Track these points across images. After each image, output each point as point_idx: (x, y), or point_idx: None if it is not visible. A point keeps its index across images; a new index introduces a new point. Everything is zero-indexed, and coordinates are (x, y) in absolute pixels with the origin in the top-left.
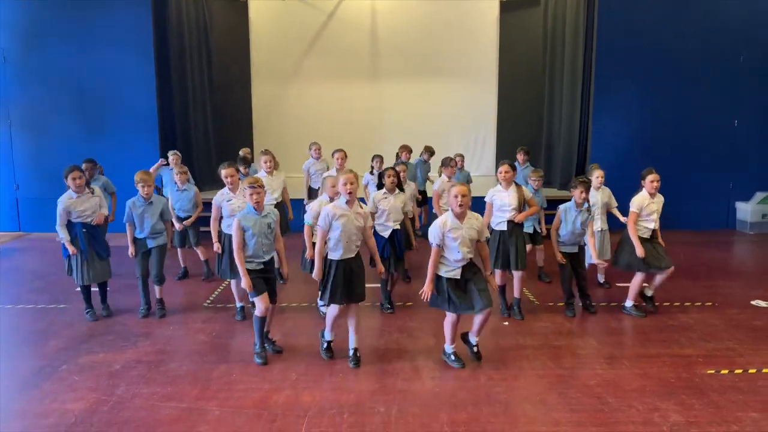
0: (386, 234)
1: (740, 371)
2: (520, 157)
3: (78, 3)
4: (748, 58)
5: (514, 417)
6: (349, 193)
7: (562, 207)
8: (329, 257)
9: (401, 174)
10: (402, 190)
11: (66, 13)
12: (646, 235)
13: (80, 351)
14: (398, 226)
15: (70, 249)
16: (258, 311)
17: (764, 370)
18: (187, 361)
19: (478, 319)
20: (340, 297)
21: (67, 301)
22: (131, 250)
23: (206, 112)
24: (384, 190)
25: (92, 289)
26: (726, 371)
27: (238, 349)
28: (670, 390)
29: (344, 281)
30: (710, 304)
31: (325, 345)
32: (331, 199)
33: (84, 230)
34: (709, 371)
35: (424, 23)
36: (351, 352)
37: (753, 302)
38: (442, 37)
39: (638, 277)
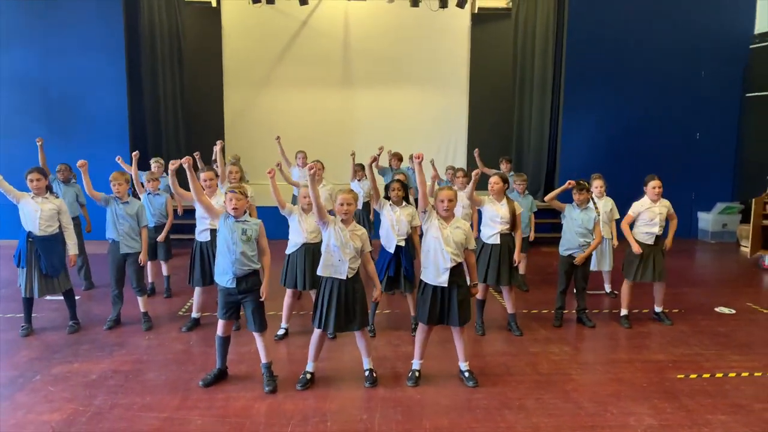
0: (391, 249)
1: (708, 376)
2: (503, 166)
3: (47, 7)
4: (708, 74)
5: (494, 422)
6: (345, 213)
7: (568, 205)
8: (318, 272)
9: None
10: (409, 202)
11: (35, 17)
12: (650, 240)
13: (54, 361)
14: (403, 243)
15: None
16: (218, 329)
17: (730, 375)
18: (166, 371)
19: (455, 339)
20: (319, 320)
21: (36, 310)
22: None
23: (178, 118)
24: (390, 201)
25: (51, 297)
26: (695, 376)
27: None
28: (643, 394)
29: (329, 304)
30: (677, 310)
31: (302, 375)
32: (304, 210)
33: (30, 240)
34: (679, 376)
35: (397, 32)
36: (366, 373)
37: (717, 309)
38: (414, 47)
39: (625, 285)
